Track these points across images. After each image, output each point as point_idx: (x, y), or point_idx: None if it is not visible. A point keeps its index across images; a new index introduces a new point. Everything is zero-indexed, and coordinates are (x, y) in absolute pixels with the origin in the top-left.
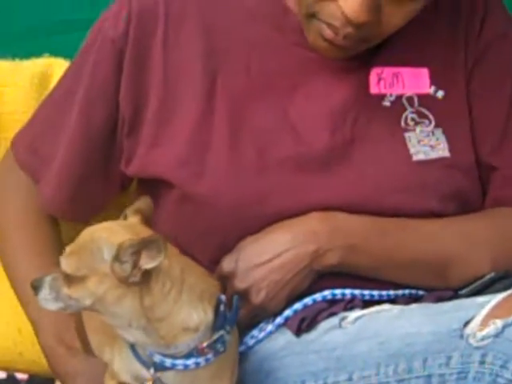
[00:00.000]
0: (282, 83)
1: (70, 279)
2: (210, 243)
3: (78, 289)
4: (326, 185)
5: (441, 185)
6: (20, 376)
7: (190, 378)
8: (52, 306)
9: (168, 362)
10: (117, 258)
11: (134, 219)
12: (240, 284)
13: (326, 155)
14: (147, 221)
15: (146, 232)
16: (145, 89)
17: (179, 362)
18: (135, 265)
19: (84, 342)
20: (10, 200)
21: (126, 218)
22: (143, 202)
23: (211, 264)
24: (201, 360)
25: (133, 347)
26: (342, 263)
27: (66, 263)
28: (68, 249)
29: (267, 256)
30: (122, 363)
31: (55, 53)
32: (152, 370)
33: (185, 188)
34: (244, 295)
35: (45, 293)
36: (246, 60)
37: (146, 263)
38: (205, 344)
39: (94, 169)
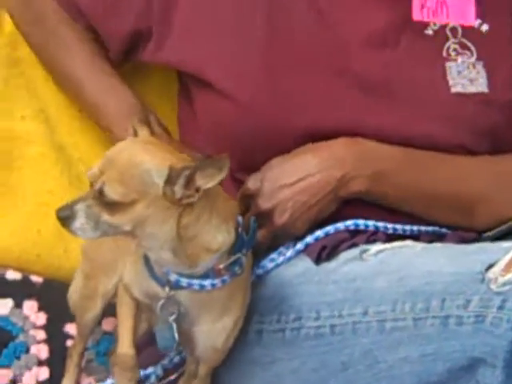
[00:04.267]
0: None
1: (112, 206)
2: (236, 147)
3: (124, 215)
4: (360, 104)
5: (476, 119)
6: (35, 279)
7: (204, 298)
8: (90, 234)
9: (184, 281)
10: (169, 181)
11: (144, 132)
12: (265, 203)
13: (363, 74)
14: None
15: (175, 150)
16: None
17: (195, 281)
18: (187, 186)
19: None
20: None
21: (135, 132)
22: (141, 111)
23: (235, 171)
24: (217, 281)
25: (148, 264)
26: (369, 191)
27: (112, 190)
28: (103, 175)
29: (293, 178)
30: (135, 278)
31: None
32: (167, 289)
33: (219, 86)
34: (267, 215)
35: (81, 222)
36: None
37: (206, 183)
38: (222, 265)
39: None
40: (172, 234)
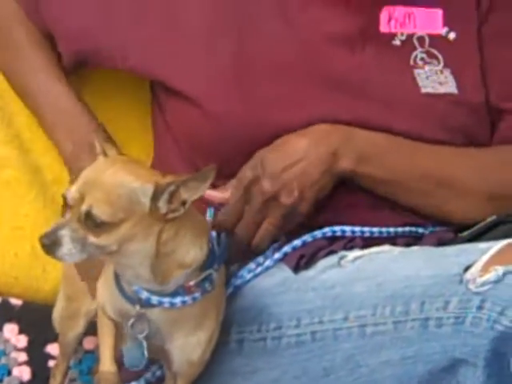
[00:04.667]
0: (292, 1)
1: (99, 227)
2: (212, 153)
3: (110, 235)
4: (333, 100)
5: (448, 117)
6: (14, 301)
7: (176, 315)
8: (76, 258)
9: (155, 299)
10: (155, 198)
11: (113, 151)
12: (270, 187)
13: (333, 72)
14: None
15: (147, 166)
16: None
17: (166, 299)
18: (170, 201)
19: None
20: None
21: (104, 151)
22: (104, 130)
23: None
24: (187, 298)
25: (118, 283)
26: (356, 170)
27: (101, 212)
28: (85, 196)
29: (292, 159)
30: (106, 297)
31: None
32: (137, 307)
33: (190, 94)
34: (274, 198)
35: (67, 247)
36: None
37: (191, 195)
38: (192, 282)
39: None
40: (152, 251)
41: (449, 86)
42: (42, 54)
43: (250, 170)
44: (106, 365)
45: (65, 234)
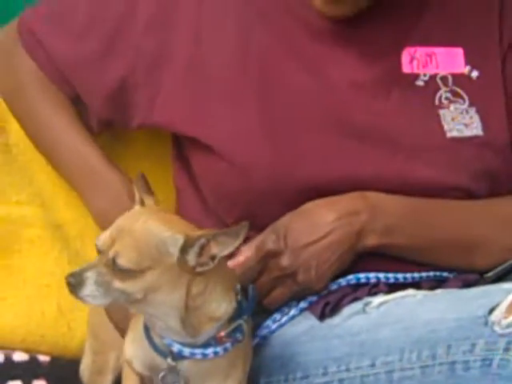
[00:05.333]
0: (314, 51)
1: (124, 274)
2: (238, 203)
3: (136, 282)
4: (356, 153)
5: (473, 162)
6: (42, 358)
7: (206, 366)
8: (100, 301)
9: (187, 351)
10: (184, 249)
11: (150, 201)
12: (289, 263)
13: (358, 123)
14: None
15: (183, 220)
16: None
17: (198, 351)
18: (200, 254)
19: None
20: (20, 69)
21: (142, 201)
22: (144, 180)
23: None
24: (219, 349)
25: (148, 336)
26: (381, 243)
27: (127, 259)
28: (115, 242)
29: (315, 236)
30: (136, 352)
31: None
32: (169, 359)
33: (217, 148)
34: (291, 274)
35: (90, 289)
36: (280, 21)
37: (221, 250)
38: (223, 333)
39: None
40: (181, 303)
41: (474, 127)
42: (66, 114)
43: (271, 240)
44: None
45: (90, 276)
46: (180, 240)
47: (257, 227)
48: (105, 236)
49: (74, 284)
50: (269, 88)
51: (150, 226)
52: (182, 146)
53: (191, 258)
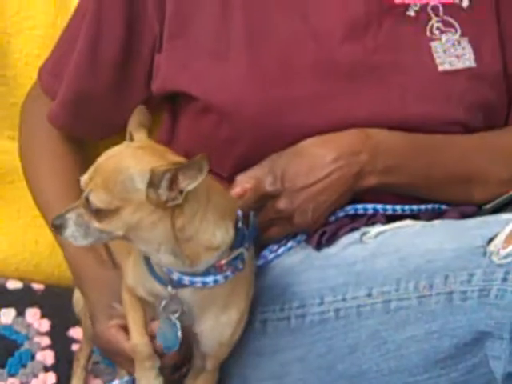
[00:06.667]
0: None
1: (99, 213)
2: (229, 155)
3: (111, 221)
4: (349, 95)
5: (467, 95)
6: (36, 286)
7: (207, 294)
8: (82, 241)
9: (186, 279)
10: (151, 184)
11: (140, 135)
12: (285, 205)
13: (349, 64)
14: (150, 131)
15: (166, 152)
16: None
17: (198, 279)
18: (171, 188)
19: (110, 256)
20: (36, 127)
21: (131, 136)
22: (141, 114)
23: (230, 176)
24: (219, 277)
25: (148, 264)
26: (379, 183)
27: (96, 198)
28: (91, 182)
29: (313, 178)
30: (137, 279)
31: None
32: (169, 287)
33: (207, 99)
34: (286, 216)
35: (72, 230)
36: None
37: (188, 184)
38: (224, 261)
39: (103, 87)
40: (167, 237)
41: (466, 58)
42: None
43: (268, 182)
44: (137, 338)
45: (70, 218)
46: (146, 175)
47: None
48: (86, 175)
49: (58, 226)
50: (255, 34)
51: (120, 164)
52: (170, 114)
53: (163, 193)
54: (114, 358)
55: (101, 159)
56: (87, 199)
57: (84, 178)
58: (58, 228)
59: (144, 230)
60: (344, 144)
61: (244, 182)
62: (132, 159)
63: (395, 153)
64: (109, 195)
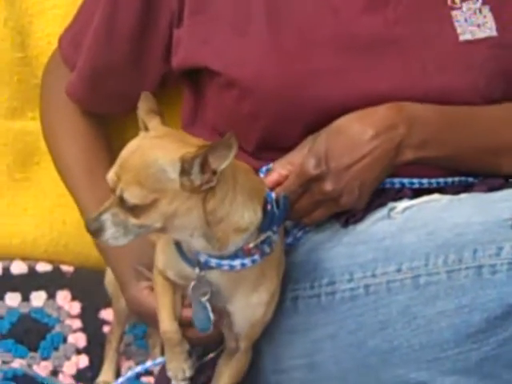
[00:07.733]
0: None
1: (136, 209)
2: (252, 129)
3: (149, 215)
4: (370, 67)
5: (488, 64)
6: (65, 268)
7: (235, 277)
8: (123, 240)
9: (213, 261)
10: (184, 172)
11: (154, 122)
12: (333, 186)
13: (369, 36)
14: (161, 116)
15: (185, 136)
16: None
17: (225, 262)
18: (203, 172)
19: None
20: (55, 101)
21: (145, 125)
22: (148, 100)
23: (254, 151)
24: (247, 261)
25: (178, 246)
26: (415, 157)
27: (131, 195)
28: (119, 180)
29: (357, 155)
30: (167, 262)
31: None
32: (197, 269)
33: (228, 74)
34: (334, 197)
35: (111, 232)
36: None
37: (220, 164)
38: (251, 245)
39: (120, 60)
40: (200, 222)
41: (488, 27)
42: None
43: (312, 166)
44: (167, 324)
45: (107, 219)
46: (177, 164)
47: (279, 149)
48: (111, 174)
49: (95, 230)
50: (275, 9)
51: (147, 157)
52: (198, 90)
53: (195, 178)
54: (148, 321)
55: (124, 155)
56: (121, 198)
57: (110, 176)
58: (96, 232)
59: (180, 218)
60: (381, 118)
61: (280, 168)
62: (157, 150)
63: (429, 126)
64: (143, 190)
